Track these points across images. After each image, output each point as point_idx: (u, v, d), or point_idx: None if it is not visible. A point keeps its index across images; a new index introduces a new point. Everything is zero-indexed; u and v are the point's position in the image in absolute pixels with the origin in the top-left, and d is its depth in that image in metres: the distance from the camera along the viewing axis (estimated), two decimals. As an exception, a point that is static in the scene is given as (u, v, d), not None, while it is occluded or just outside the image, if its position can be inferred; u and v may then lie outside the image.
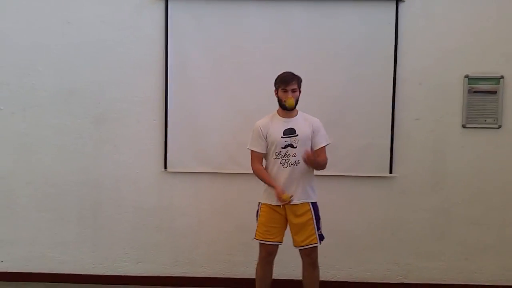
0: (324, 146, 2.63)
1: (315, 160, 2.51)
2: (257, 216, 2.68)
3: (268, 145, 2.62)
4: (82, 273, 3.32)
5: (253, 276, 3.14)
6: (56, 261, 3.33)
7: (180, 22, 3.17)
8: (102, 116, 3.25)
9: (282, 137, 2.57)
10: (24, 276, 3.32)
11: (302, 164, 2.54)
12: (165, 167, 3.24)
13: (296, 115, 2.63)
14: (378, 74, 3.14)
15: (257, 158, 2.66)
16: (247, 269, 3.25)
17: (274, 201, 2.57)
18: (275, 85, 2.64)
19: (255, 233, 2.65)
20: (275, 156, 2.58)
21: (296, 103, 2.60)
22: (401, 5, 3.13)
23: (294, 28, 3.16)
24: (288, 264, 3.07)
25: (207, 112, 3.19)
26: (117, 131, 3.25)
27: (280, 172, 2.57)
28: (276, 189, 2.52)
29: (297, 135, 2.56)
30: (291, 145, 2.56)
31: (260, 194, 2.66)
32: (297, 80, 2.60)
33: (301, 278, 2.71)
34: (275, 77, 2.64)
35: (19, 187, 3.30)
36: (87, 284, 3.30)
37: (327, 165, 2.63)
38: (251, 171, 2.65)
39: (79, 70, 3.23)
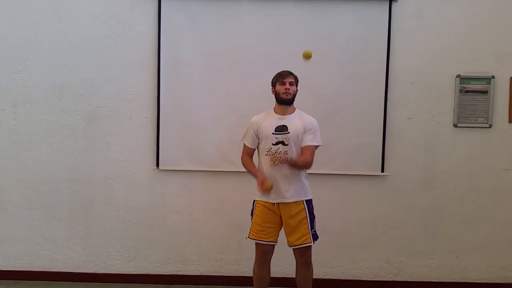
0: (310, 146, 2.54)
1: (294, 164, 2.47)
2: (251, 214, 2.65)
3: (259, 141, 2.61)
4: (74, 271, 3.30)
5: (245, 274, 3.17)
6: (47, 259, 3.31)
7: (172, 19, 3.16)
8: (94, 113, 3.23)
9: (273, 133, 2.54)
10: (14, 274, 3.29)
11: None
12: (157, 165, 3.22)
13: (292, 113, 2.60)
14: (370, 73, 3.15)
15: (247, 151, 2.68)
16: (239, 267, 3.26)
17: (269, 199, 2.55)
18: (272, 83, 2.63)
19: (249, 232, 2.61)
20: (266, 153, 2.56)
21: (293, 99, 2.58)
22: (394, 5, 3.14)
23: (288, 27, 3.16)
24: (280, 262, 3.08)
25: (200, 109, 3.18)
26: (109, 128, 3.23)
27: (271, 170, 2.54)
28: (257, 176, 2.52)
29: (289, 132, 2.51)
30: (282, 142, 2.52)
31: (255, 191, 2.61)
32: (295, 76, 2.61)
33: (293, 276, 2.71)
34: (269, 75, 2.64)
35: (9, 184, 3.27)
36: (79, 282, 3.28)
37: (313, 165, 2.56)
38: (244, 169, 2.65)
39: (70, 67, 3.21)
